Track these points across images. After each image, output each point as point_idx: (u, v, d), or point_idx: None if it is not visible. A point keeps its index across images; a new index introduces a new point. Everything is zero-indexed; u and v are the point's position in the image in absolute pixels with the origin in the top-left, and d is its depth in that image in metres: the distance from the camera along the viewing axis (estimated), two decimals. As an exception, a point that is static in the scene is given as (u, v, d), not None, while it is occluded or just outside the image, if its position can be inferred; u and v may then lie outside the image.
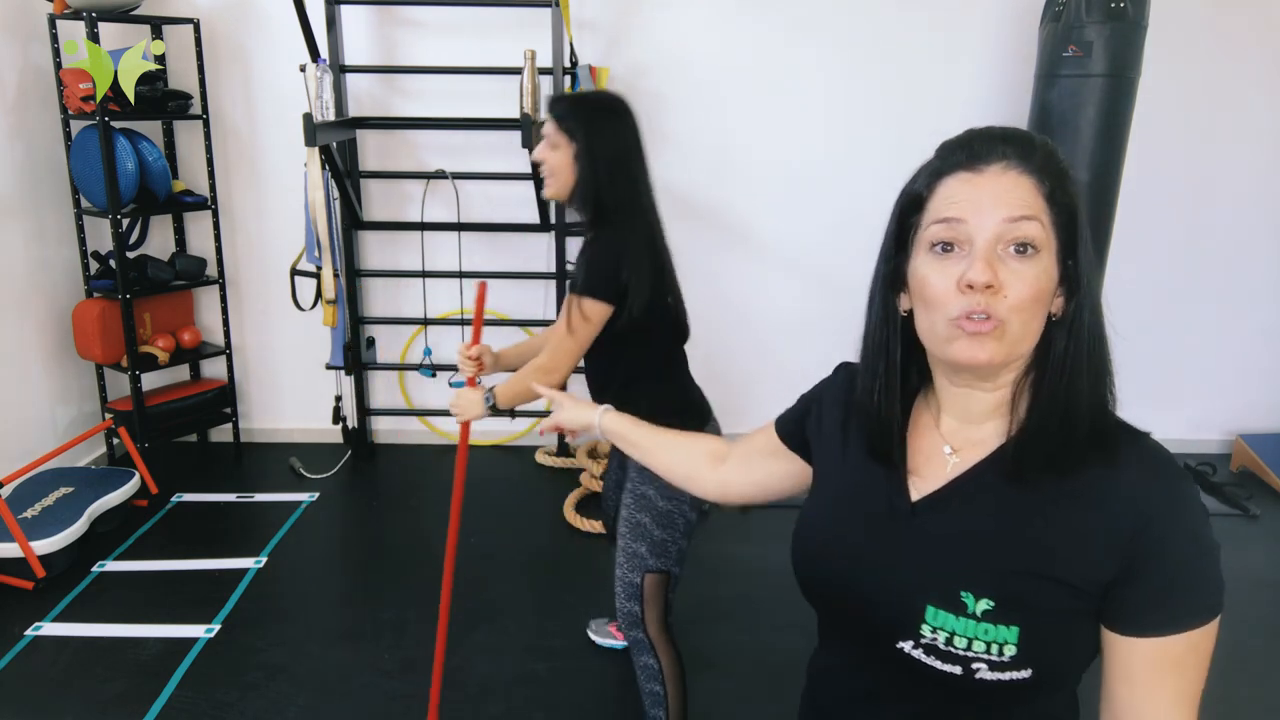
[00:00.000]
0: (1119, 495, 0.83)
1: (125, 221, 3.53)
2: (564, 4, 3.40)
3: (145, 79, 3.32)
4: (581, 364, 1.99)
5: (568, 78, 3.59)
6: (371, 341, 4.02)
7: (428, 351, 3.93)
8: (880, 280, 0.92)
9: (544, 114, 1.94)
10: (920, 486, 0.92)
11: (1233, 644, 2.75)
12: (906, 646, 0.87)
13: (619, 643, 2.65)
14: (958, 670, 0.84)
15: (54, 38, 3.37)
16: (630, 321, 1.88)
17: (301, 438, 4.13)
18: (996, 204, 0.82)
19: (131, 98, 3.23)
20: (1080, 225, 0.85)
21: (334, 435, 4.05)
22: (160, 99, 3.52)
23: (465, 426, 2.04)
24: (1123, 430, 0.88)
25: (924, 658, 0.86)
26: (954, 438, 0.92)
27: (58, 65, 3.38)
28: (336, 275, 3.57)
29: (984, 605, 0.83)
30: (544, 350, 1.95)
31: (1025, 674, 0.82)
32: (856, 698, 0.96)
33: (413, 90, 3.79)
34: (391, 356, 4.09)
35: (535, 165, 3.29)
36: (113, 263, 3.50)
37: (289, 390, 4.12)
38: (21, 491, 3.23)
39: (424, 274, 3.87)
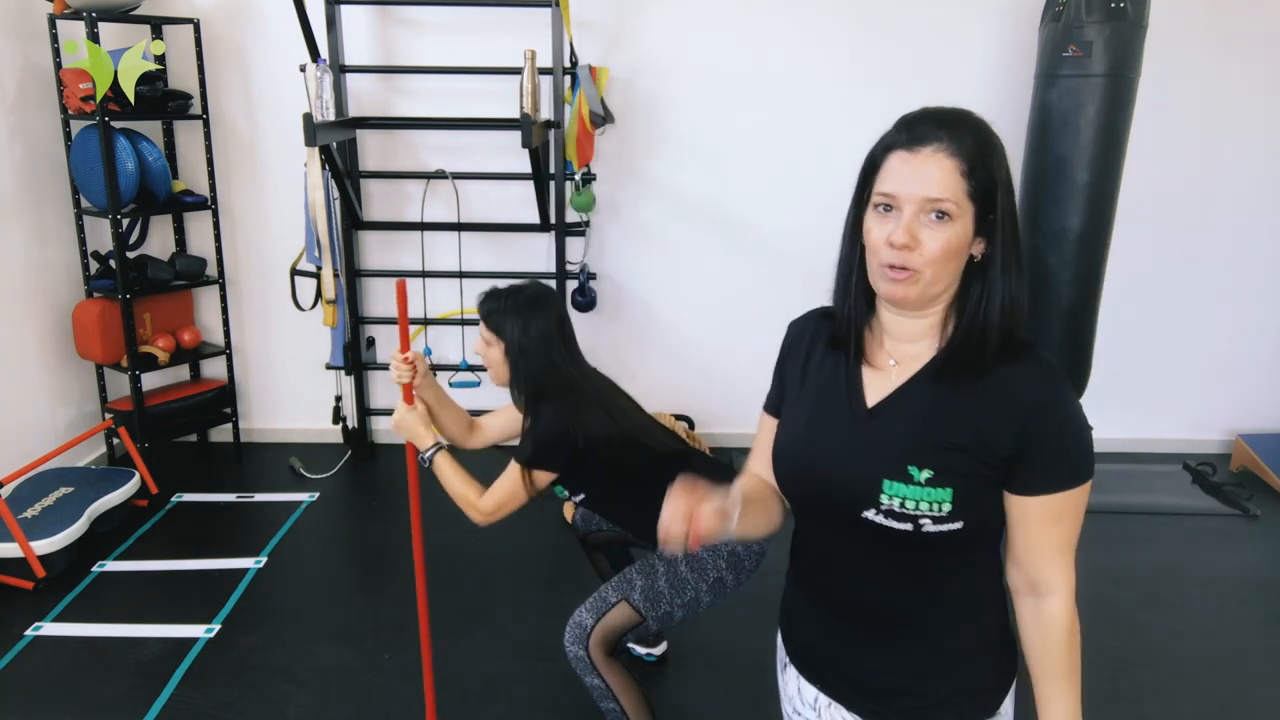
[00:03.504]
0: (1017, 391, 1.09)
1: (125, 221, 3.53)
2: (564, 4, 3.40)
3: (145, 79, 3.32)
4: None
5: (568, 78, 3.59)
6: (371, 341, 4.02)
7: (428, 351, 3.93)
8: (851, 217, 1.16)
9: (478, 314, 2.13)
10: (874, 394, 1.16)
11: (1233, 643, 2.76)
12: (870, 514, 1.11)
13: (638, 650, 2.63)
14: (909, 527, 1.09)
15: (54, 38, 3.37)
16: (596, 468, 2.05)
17: (301, 438, 4.13)
18: (922, 184, 1.05)
19: (131, 98, 3.23)
20: (1000, 190, 1.08)
21: (334, 435, 4.05)
22: (160, 99, 3.52)
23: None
24: (1026, 345, 1.12)
25: (884, 520, 1.10)
26: (895, 352, 1.17)
27: (58, 65, 3.38)
28: (336, 275, 3.57)
29: (926, 474, 1.09)
30: (492, 491, 2.06)
31: (959, 525, 1.09)
32: (823, 557, 1.22)
33: (413, 90, 3.79)
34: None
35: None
36: (113, 263, 3.50)
37: (289, 390, 4.12)
38: (21, 491, 3.23)
39: (424, 274, 3.87)
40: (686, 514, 1.03)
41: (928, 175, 1.05)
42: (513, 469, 2.04)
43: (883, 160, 1.10)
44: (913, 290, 1.08)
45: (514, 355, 2.05)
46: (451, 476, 2.07)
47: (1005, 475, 1.10)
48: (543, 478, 2.05)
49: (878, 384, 1.17)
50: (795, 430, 1.22)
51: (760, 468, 1.30)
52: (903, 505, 1.09)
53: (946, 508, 1.08)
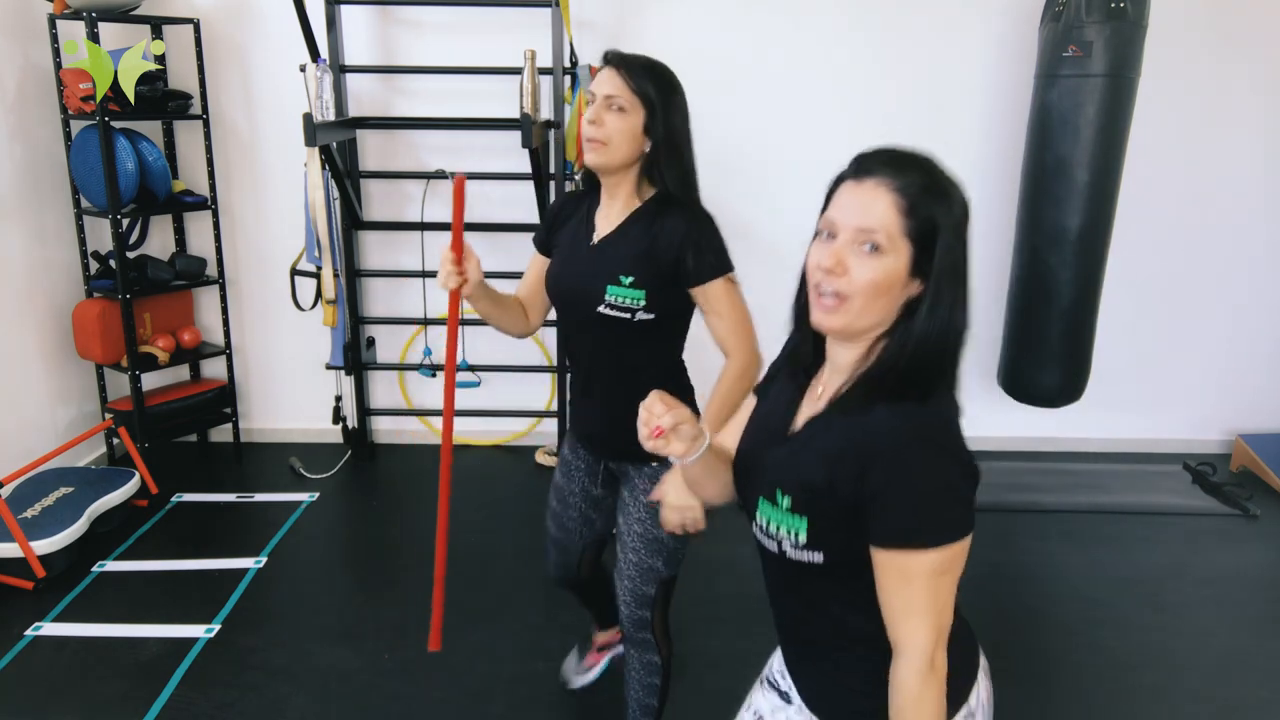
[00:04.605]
0: (872, 434, 1.07)
1: (125, 221, 3.53)
2: (564, 4, 3.40)
3: (145, 79, 3.32)
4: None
5: (568, 78, 3.59)
6: (371, 341, 4.02)
7: (428, 351, 3.92)
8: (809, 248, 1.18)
9: (602, 67, 1.75)
10: (800, 421, 1.20)
11: (1234, 643, 2.76)
12: (754, 526, 1.19)
13: (599, 668, 2.55)
14: (774, 547, 1.15)
15: (54, 38, 3.36)
16: (678, 298, 1.78)
17: (301, 438, 4.13)
18: (858, 213, 1.08)
19: (131, 98, 3.23)
20: (940, 233, 1.07)
21: (334, 435, 4.05)
22: (160, 99, 3.52)
23: (450, 375, 1.79)
24: (923, 395, 1.08)
25: (759, 535, 1.18)
26: (828, 384, 1.19)
27: (58, 65, 3.38)
28: (336, 275, 3.57)
29: (786, 501, 1.13)
30: (730, 356, 1.78)
31: (819, 557, 1.11)
32: (760, 562, 1.27)
33: (413, 90, 3.79)
34: (391, 356, 4.09)
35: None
36: (113, 263, 3.50)
37: (289, 390, 4.12)
38: (21, 491, 3.23)
39: (424, 274, 3.87)
40: (663, 413, 1.15)
41: (865, 205, 1.08)
42: (723, 293, 1.75)
43: (835, 189, 1.13)
44: (838, 319, 1.10)
45: (659, 135, 1.72)
46: (722, 403, 1.75)
47: (863, 518, 1.07)
48: (736, 280, 1.77)
49: (807, 411, 1.20)
50: (740, 444, 1.30)
51: (724, 440, 1.35)
52: (768, 525, 1.15)
53: (802, 537, 1.10)
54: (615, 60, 1.74)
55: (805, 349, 1.22)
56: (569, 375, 1.99)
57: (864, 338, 1.13)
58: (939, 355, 1.09)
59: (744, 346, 1.77)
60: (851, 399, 1.12)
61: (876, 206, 1.07)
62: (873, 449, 1.05)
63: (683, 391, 1.90)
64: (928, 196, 1.08)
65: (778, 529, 1.13)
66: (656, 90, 1.72)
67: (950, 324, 1.09)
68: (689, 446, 1.18)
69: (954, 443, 1.08)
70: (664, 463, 1.86)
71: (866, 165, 1.10)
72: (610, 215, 1.81)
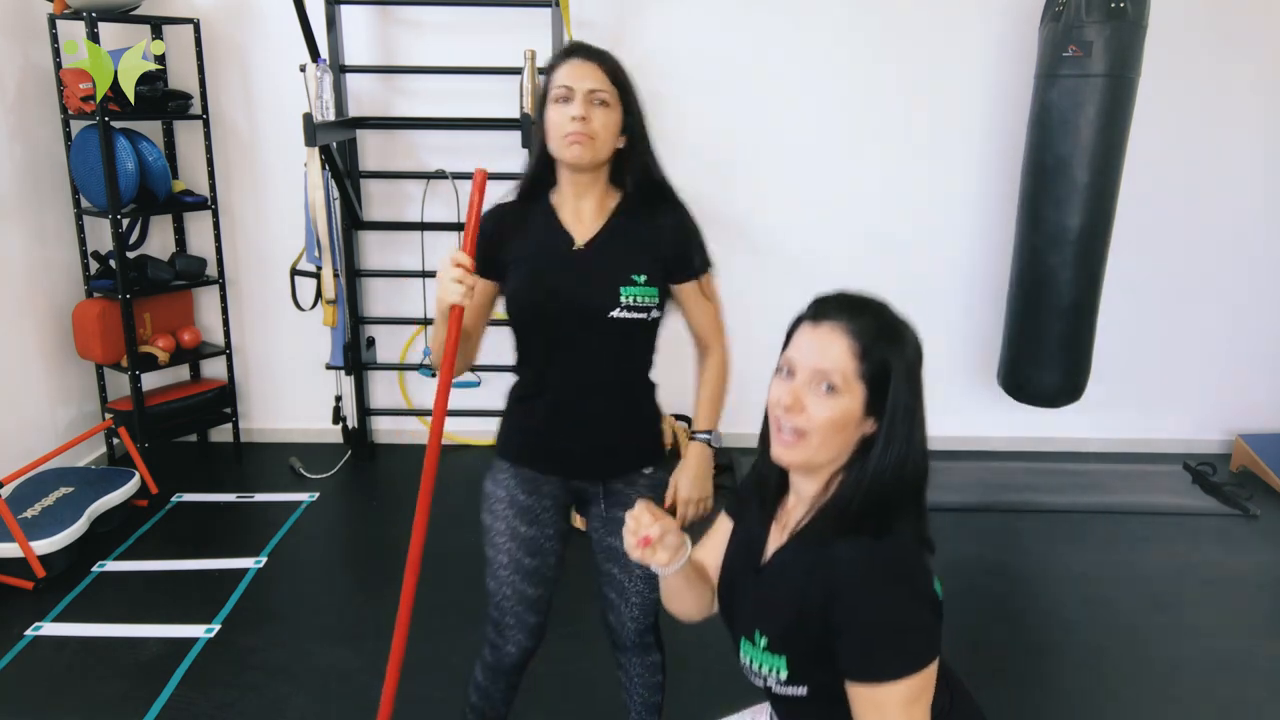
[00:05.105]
0: (827, 570, 1.10)
1: (125, 221, 3.53)
2: (564, 4, 3.40)
3: (145, 79, 3.32)
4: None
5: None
6: (371, 341, 4.02)
7: (427, 351, 3.93)
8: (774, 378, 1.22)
9: (565, 60, 1.69)
10: (770, 551, 1.25)
11: (1234, 644, 2.75)
12: (740, 665, 1.23)
13: None
14: (760, 684, 1.19)
15: (54, 38, 3.37)
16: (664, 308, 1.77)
17: (301, 438, 4.13)
18: (815, 355, 1.14)
19: (131, 98, 3.23)
20: (893, 375, 1.13)
21: (334, 435, 4.05)
22: (160, 99, 3.52)
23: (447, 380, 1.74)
24: (878, 527, 1.11)
25: (747, 674, 1.22)
26: (792, 513, 1.23)
27: (58, 65, 3.38)
28: (336, 275, 3.57)
29: (764, 641, 1.17)
30: (712, 348, 1.85)
31: (803, 690, 1.14)
32: None
33: (413, 90, 3.79)
34: (391, 356, 4.08)
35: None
36: (113, 263, 3.50)
37: (289, 390, 4.12)
38: (21, 491, 3.23)
39: (424, 274, 3.87)
40: (650, 523, 1.21)
41: (822, 348, 1.14)
42: (712, 285, 1.79)
43: (794, 330, 1.20)
44: (797, 454, 1.15)
45: (635, 129, 1.70)
46: (714, 401, 1.89)
47: (834, 650, 1.10)
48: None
49: (775, 541, 1.25)
50: (721, 571, 1.36)
51: (703, 556, 1.40)
52: (751, 664, 1.19)
53: (784, 674, 1.14)
54: (588, 53, 1.68)
55: (770, 478, 1.27)
56: (532, 402, 1.84)
57: (823, 471, 1.17)
58: (895, 490, 1.13)
59: (722, 338, 1.86)
60: (811, 532, 1.16)
61: (832, 350, 1.13)
62: (833, 583, 1.09)
63: (654, 405, 1.92)
64: (881, 340, 1.14)
65: (760, 667, 1.17)
66: (628, 84, 1.71)
67: (905, 461, 1.13)
68: (673, 555, 1.23)
69: (913, 574, 1.10)
70: (659, 467, 1.89)
71: (823, 309, 1.17)
72: (584, 216, 1.72)
